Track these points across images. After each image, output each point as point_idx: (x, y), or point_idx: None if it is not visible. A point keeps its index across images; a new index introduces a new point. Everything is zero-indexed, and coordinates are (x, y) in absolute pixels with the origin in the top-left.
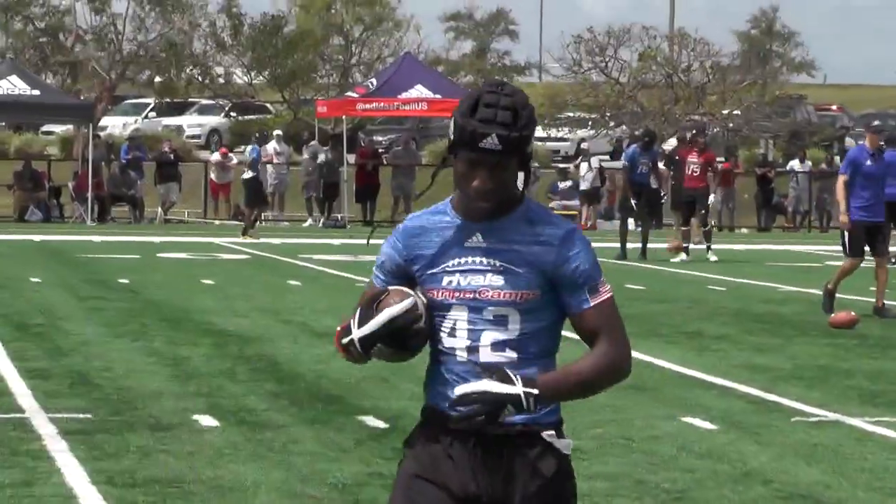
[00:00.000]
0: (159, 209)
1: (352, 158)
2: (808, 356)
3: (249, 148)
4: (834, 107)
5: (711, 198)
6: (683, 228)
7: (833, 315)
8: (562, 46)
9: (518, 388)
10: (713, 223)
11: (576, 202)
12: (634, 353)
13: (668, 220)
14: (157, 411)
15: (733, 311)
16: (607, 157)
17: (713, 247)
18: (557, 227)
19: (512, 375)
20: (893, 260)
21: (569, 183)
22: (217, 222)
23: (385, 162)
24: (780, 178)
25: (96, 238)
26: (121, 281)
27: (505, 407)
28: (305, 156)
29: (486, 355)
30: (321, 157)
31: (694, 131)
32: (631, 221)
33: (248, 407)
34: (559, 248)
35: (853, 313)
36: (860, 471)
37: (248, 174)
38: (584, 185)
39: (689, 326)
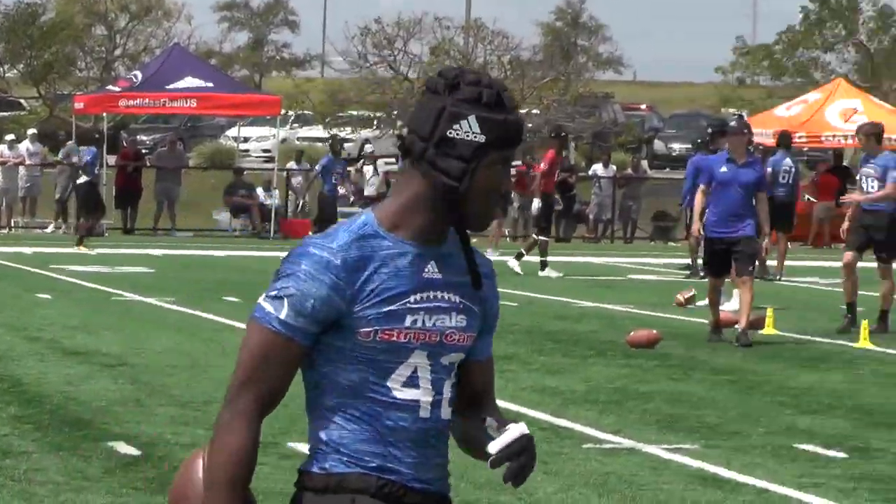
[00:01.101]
0: None
1: (112, 160)
2: (604, 378)
3: (84, 150)
4: (643, 106)
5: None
6: (542, 238)
7: (632, 333)
8: (346, 39)
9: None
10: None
11: (358, 210)
12: None
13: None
14: None
15: (524, 329)
16: (393, 161)
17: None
18: (483, 256)
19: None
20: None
21: (351, 188)
22: None
23: (148, 164)
24: (582, 184)
25: None
26: None
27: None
28: (61, 157)
29: (446, 412)
30: (74, 159)
31: (563, 132)
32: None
33: None
34: (492, 282)
35: (654, 331)
36: (655, 502)
37: (82, 179)
38: (368, 191)
39: None
